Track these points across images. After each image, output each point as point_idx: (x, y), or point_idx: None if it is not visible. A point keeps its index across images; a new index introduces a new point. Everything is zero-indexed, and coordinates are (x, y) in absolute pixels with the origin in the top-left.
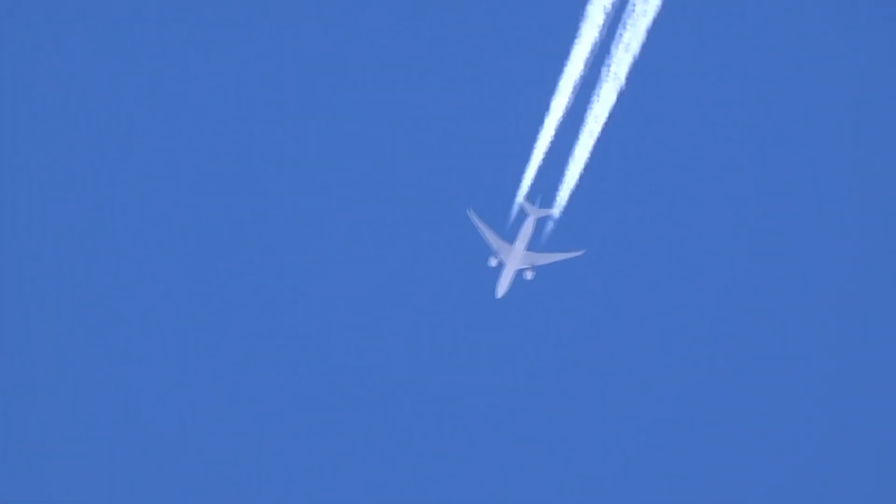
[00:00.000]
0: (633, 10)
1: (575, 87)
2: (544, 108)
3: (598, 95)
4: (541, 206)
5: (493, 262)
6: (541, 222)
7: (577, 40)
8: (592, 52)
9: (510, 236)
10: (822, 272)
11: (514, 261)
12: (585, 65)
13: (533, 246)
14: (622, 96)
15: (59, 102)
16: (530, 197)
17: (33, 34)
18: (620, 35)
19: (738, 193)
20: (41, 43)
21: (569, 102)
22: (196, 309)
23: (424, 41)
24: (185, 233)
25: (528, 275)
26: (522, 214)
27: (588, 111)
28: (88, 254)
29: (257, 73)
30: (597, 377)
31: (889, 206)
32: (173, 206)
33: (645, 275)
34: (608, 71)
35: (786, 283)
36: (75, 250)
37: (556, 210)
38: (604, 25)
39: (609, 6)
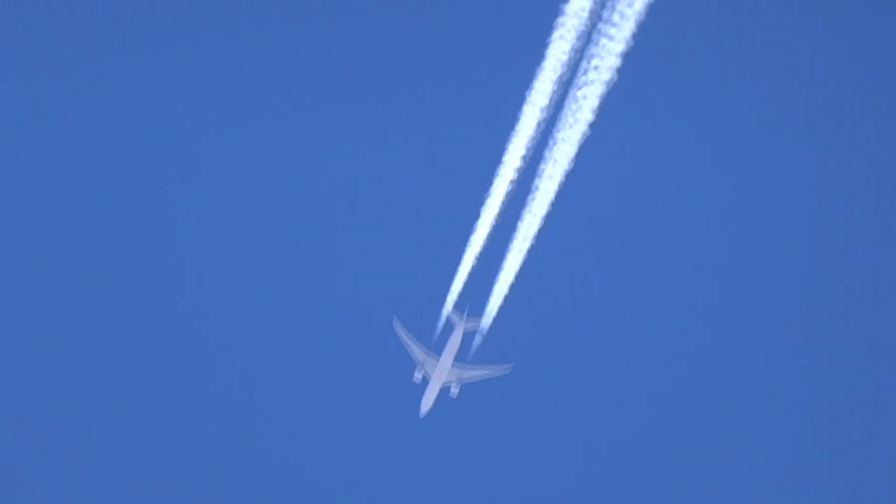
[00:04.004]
0: (567, 123)
1: (506, 195)
2: (474, 215)
3: (531, 204)
4: (469, 318)
5: (417, 377)
6: (469, 335)
7: (510, 144)
8: (525, 159)
9: (437, 349)
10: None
11: (441, 375)
12: (518, 171)
13: (460, 360)
14: (555, 206)
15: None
16: (458, 308)
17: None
18: (552, 146)
19: (672, 309)
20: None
21: (500, 211)
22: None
23: (360, 143)
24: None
25: (454, 391)
26: (450, 326)
27: (519, 220)
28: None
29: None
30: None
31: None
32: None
33: (576, 393)
34: (541, 179)
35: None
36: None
37: (485, 322)
38: (535, 134)
39: (540, 117)
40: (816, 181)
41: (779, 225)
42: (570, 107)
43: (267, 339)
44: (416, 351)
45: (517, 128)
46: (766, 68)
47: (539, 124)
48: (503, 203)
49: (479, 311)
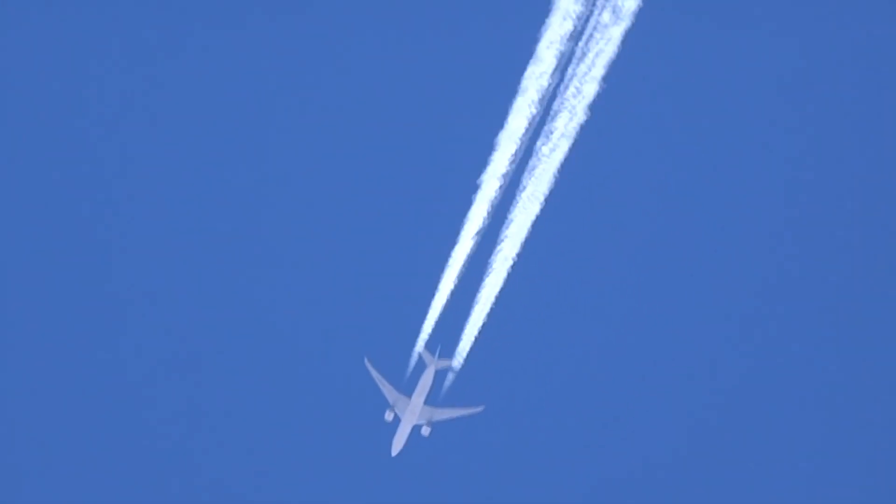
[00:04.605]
0: (536, 163)
1: (478, 235)
2: (446, 254)
3: (501, 245)
4: (441, 357)
5: (389, 417)
6: (440, 374)
7: (480, 188)
8: (495, 200)
9: (408, 389)
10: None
11: (412, 415)
12: (488, 214)
13: (431, 400)
14: (526, 245)
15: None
16: (430, 347)
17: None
18: (523, 188)
19: (642, 349)
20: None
21: (471, 250)
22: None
23: (332, 172)
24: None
25: (425, 430)
26: (421, 365)
27: (491, 260)
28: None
29: None
30: None
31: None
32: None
33: (548, 433)
34: (511, 221)
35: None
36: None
37: (457, 361)
38: (506, 177)
39: (511, 161)
40: (816, 181)
41: (775, 228)
42: (539, 151)
43: (234, 375)
44: (388, 390)
45: (486, 174)
46: (766, 67)
47: (510, 166)
48: (475, 240)
49: (450, 349)
